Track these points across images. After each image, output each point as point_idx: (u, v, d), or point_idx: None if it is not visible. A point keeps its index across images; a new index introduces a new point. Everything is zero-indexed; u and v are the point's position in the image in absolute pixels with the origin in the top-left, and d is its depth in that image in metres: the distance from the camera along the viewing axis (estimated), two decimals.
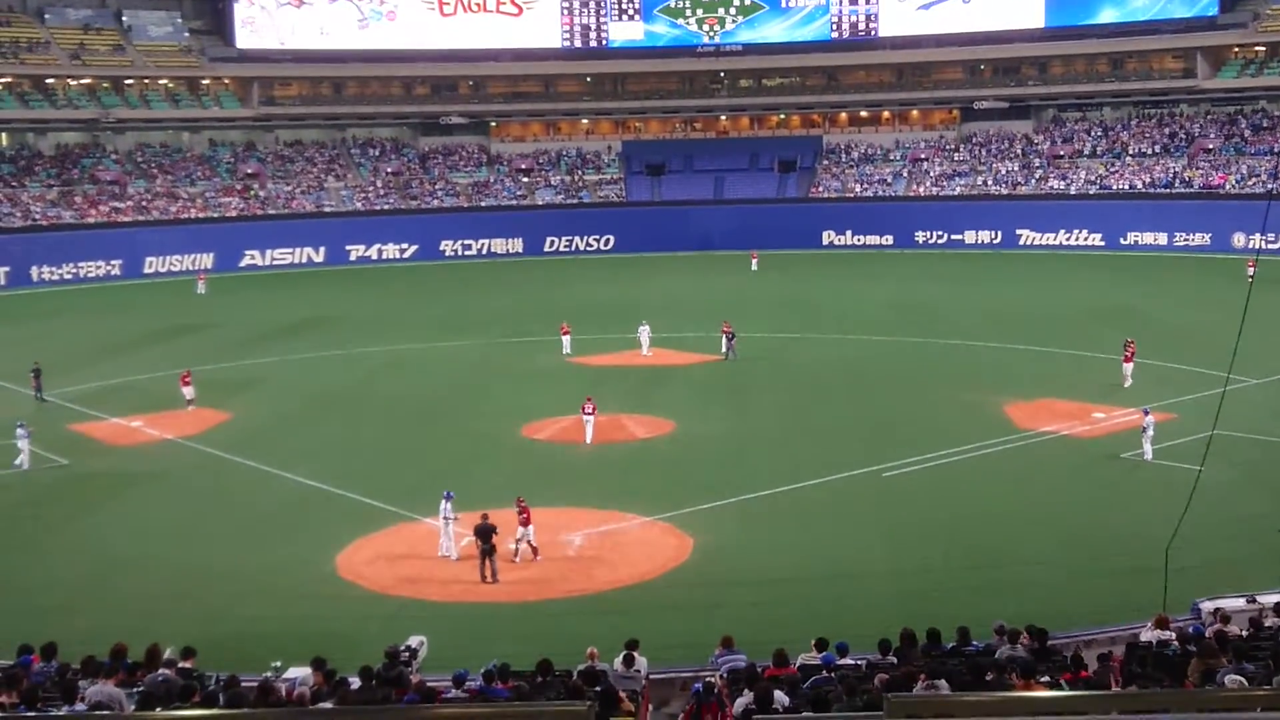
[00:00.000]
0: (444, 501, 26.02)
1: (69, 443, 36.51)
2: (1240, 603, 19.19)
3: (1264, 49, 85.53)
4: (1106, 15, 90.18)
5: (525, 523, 25.46)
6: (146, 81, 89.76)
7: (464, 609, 23.65)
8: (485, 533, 24.65)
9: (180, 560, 26.23)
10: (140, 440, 37.12)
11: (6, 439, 34.74)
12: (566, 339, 49.39)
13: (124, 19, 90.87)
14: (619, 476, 32.15)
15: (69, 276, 77.17)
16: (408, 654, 17.54)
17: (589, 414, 36.04)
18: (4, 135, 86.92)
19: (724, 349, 47.44)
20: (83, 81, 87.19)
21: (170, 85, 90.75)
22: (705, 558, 25.74)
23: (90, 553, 26.92)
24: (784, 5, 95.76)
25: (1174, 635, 16.61)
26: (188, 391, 40.95)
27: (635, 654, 16.62)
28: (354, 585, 24.77)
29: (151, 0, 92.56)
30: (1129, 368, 40.47)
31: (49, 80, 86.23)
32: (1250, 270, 64.06)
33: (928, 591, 23.32)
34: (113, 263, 78.73)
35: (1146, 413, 32.36)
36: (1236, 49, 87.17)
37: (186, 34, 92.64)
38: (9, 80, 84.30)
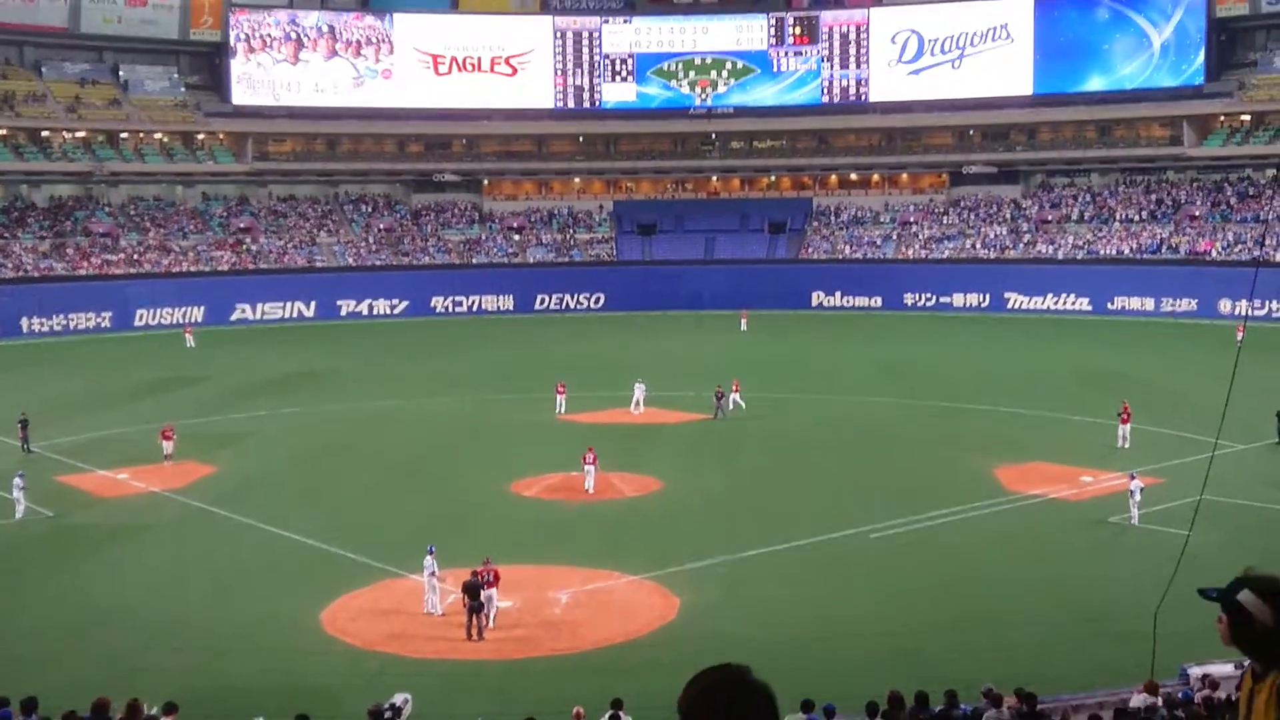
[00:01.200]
0: (427, 557, 25.89)
1: (55, 494, 36.33)
2: (1229, 669, 19.13)
3: (1249, 118, 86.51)
4: (1094, 83, 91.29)
5: (489, 585, 25.11)
6: (141, 135, 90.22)
7: (449, 666, 23.48)
8: (473, 589, 24.51)
9: (163, 613, 26.04)
10: (126, 493, 36.96)
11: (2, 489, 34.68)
12: (561, 398, 49.47)
13: (121, 73, 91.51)
14: (607, 534, 32.05)
15: (59, 328, 77.08)
16: (391, 712, 17.43)
17: (590, 464, 36.45)
18: None
19: (718, 407, 47.48)
20: (78, 134, 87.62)
21: (165, 139, 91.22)
22: (692, 617, 25.61)
23: (72, 605, 26.71)
24: (776, 69, 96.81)
25: (1162, 701, 16.56)
26: (167, 446, 40.73)
27: (621, 714, 16.54)
28: (338, 641, 24.59)
29: (149, 55, 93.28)
30: (1125, 429, 40.66)
31: (44, 133, 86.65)
32: (1240, 336, 64.49)
33: (915, 653, 23.21)
34: (103, 315, 78.70)
35: (1134, 477, 32.39)
36: (1222, 118, 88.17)
37: (183, 89, 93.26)
38: (4, 132, 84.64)
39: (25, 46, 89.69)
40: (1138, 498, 31.64)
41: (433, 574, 25.81)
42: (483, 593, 24.66)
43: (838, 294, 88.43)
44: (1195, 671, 18.92)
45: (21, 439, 42.30)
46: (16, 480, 33.89)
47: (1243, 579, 4.46)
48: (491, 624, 24.86)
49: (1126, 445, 40.22)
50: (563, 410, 48.83)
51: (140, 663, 23.07)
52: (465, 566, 25.40)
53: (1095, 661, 22.46)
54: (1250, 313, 71.49)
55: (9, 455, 41.48)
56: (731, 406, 48.18)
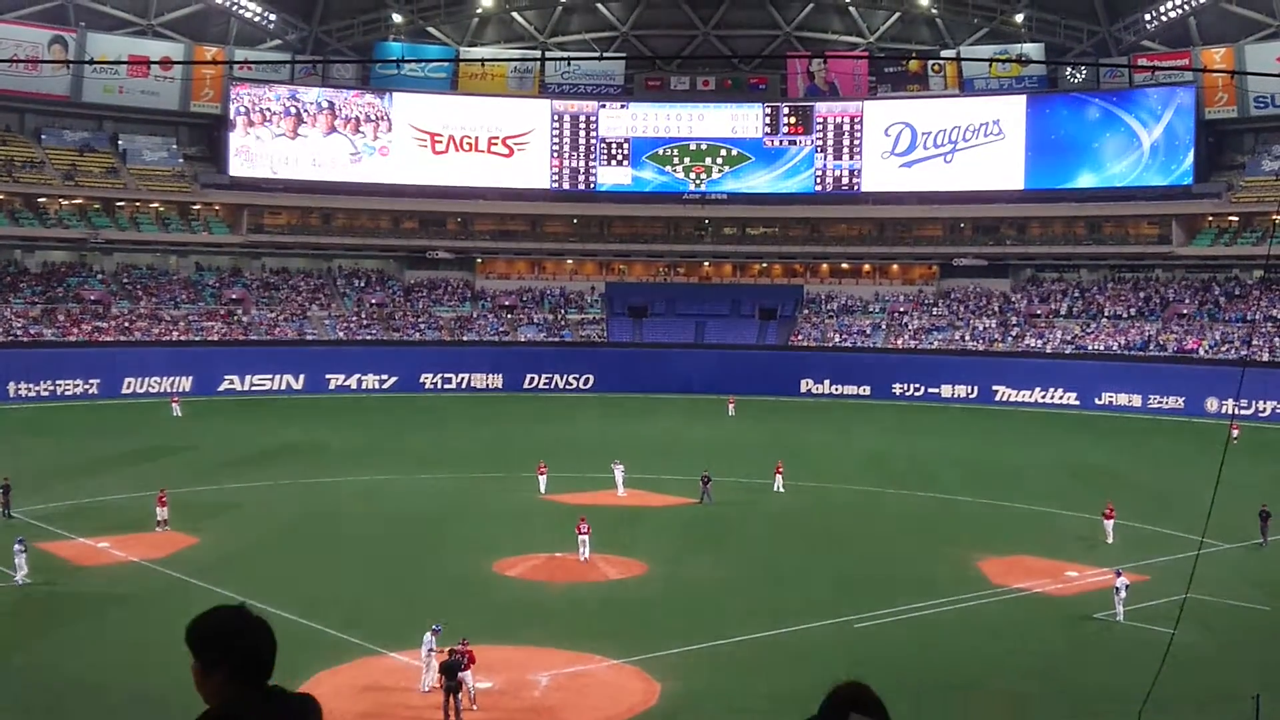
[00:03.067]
0: (428, 634, 25.59)
1: (34, 561, 35.93)
2: None
3: (1237, 219, 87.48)
4: (1085, 180, 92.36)
5: (465, 667, 24.83)
6: (138, 204, 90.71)
7: None
8: (451, 669, 24.28)
9: (137, 686, 25.69)
10: (106, 561, 36.66)
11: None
12: (543, 478, 49.43)
13: (120, 142, 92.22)
14: (589, 617, 31.82)
15: (45, 394, 76.88)
16: None
17: (584, 533, 37.24)
18: None
19: (704, 491, 47.43)
20: (74, 201, 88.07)
21: (161, 209, 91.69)
22: (672, 704, 25.37)
23: (45, 676, 26.35)
24: (770, 158, 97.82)
25: None
26: (161, 512, 40.72)
27: None
28: None
29: (148, 126, 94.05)
30: (1110, 524, 40.70)
31: (40, 199, 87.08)
32: (1235, 433, 64.88)
33: None
34: (91, 382, 78.53)
35: (1119, 573, 32.31)
36: (1211, 218, 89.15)
37: (181, 159, 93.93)
38: (1, 198, 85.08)
39: (26, 114, 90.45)
40: (1123, 594, 31.54)
41: (430, 651, 25.53)
42: (459, 674, 24.43)
43: (826, 382, 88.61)
44: None
45: (3, 505, 42.00)
46: (17, 546, 33.62)
47: (845, 698, 4.34)
48: (474, 706, 24.59)
49: (1111, 541, 40.21)
50: (543, 490, 48.80)
51: None
52: (445, 645, 25.19)
53: None
54: (1236, 411, 71.79)
55: None
56: (777, 489, 49.33)
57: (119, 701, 24.95)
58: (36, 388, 76.79)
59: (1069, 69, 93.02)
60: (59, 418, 70.37)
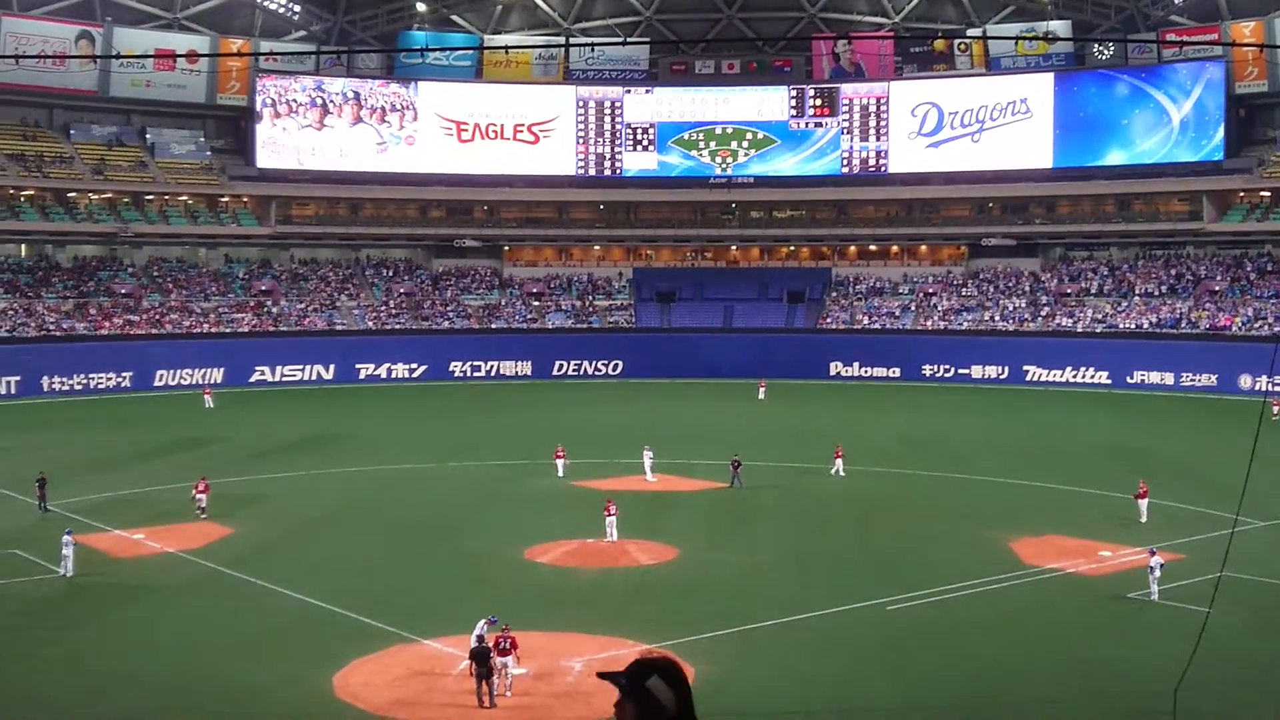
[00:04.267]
0: (483, 623, 25.57)
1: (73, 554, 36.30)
2: None
3: (1269, 194, 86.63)
4: (1114, 157, 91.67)
5: (505, 653, 24.91)
6: (166, 197, 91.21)
7: None
8: (482, 656, 24.39)
9: (175, 677, 25.92)
10: (142, 553, 36.95)
11: (8, 549, 34.57)
12: (561, 462, 49.78)
13: (148, 136, 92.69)
14: (621, 603, 31.88)
15: (79, 387, 77.51)
16: None
17: (611, 514, 37.82)
18: (23, 246, 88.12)
19: (734, 476, 47.36)
20: (104, 196, 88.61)
21: (190, 202, 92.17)
22: (705, 688, 25.34)
23: (84, 668, 26.61)
24: (796, 140, 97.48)
25: None
26: (201, 499, 41.44)
27: None
28: (350, 706, 24.45)
29: (176, 119, 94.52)
30: (1144, 504, 40.47)
31: (70, 194, 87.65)
32: (1276, 409, 64.42)
33: None
34: (123, 375, 79.11)
35: (1153, 553, 32.11)
36: (1242, 194, 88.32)
37: (208, 153, 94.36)
38: (32, 193, 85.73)
39: (55, 109, 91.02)
40: (1157, 574, 31.35)
41: (481, 635, 25.54)
42: (499, 658, 24.54)
43: (856, 364, 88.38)
44: None
45: (39, 498, 42.37)
46: (66, 538, 33.92)
47: (647, 664, 4.66)
48: (509, 693, 24.69)
49: (1144, 520, 40.01)
50: (561, 474, 49.14)
51: None
52: (494, 635, 25.25)
53: None
54: (1270, 388, 71.25)
55: (26, 514, 41.58)
56: (836, 473, 49.17)
57: (163, 691, 25.15)
58: (70, 381, 77.39)
59: (1096, 46, 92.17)
60: (92, 411, 70.94)
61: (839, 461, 50.00)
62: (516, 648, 24.86)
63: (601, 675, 4.86)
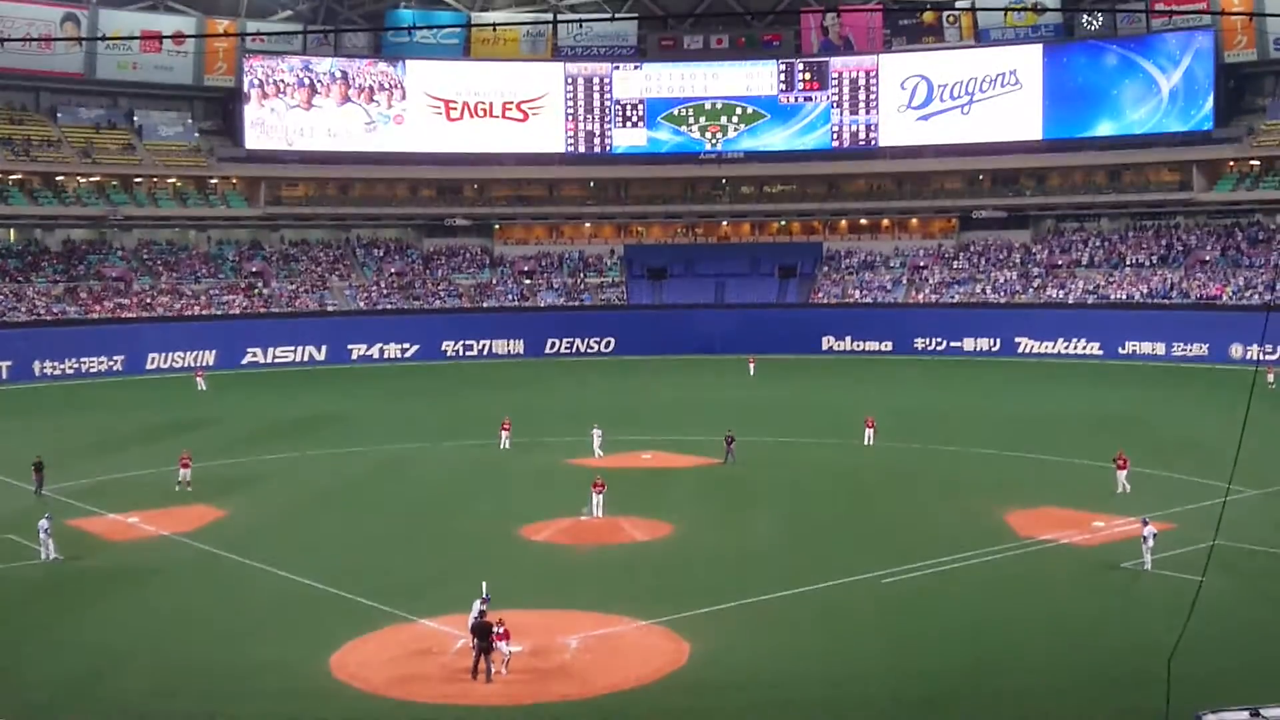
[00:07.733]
0: (478, 603, 25.56)
1: (64, 538, 36.15)
2: (1244, 715, 18.90)
3: (1259, 163, 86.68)
4: (1104, 128, 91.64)
5: (500, 637, 24.87)
6: (155, 180, 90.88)
7: (458, 712, 23.33)
8: (482, 630, 24.41)
9: (170, 659, 25.92)
10: (136, 536, 36.92)
11: (4, 534, 34.51)
12: (505, 434, 50.53)
13: (135, 119, 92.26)
14: (616, 579, 31.92)
15: (71, 371, 77.37)
16: None
17: (599, 490, 37.95)
18: (12, 231, 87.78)
19: (728, 451, 47.39)
20: (92, 179, 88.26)
21: (178, 184, 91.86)
22: (702, 663, 25.46)
23: (79, 650, 26.61)
24: (785, 115, 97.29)
25: None
26: (184, 474, 42.08)
27: None
28: (347, 686, 24.47)
29: (163, 101, 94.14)
30: (1123, 475, 40.49)
31: (58, 177, 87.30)
32: (1270, 379, 64.39)
33: (927, 700, 23.06)
34: (115, 358, 78.97)
35: (1146, 522, 32.19)
36: (1232, 163, 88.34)
37: (196, 134, 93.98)
38: (19, 177, 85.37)
39: (41, 92, 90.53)
40: (1150, 543, 31.45)
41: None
42: (495, 640, 24.55)
43: (848, 338, 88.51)
44: (1210, 718, 18.73)
45: (36, 482, 42.33)
46: (43, 523, 33.87)
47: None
48: (505, 670, 24.71)
49: (1127, 491, 39.95)
50: (506, 445, 49.76)
51: (147, 708, 22.95)
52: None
53: (1109, 709, 22.29)
54: (1261, 357, 71.47)
55: (23, 498, 41.54)
56: (867, 443, 49.48)
57: (158, 672, 25.13)
58: (61, 366, 77.27)
59: (1085, 16, 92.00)
60: (84, 395, 70.86)
61: (869, 431, 50.29)
62: (508, 637, 24.80)
63: None
